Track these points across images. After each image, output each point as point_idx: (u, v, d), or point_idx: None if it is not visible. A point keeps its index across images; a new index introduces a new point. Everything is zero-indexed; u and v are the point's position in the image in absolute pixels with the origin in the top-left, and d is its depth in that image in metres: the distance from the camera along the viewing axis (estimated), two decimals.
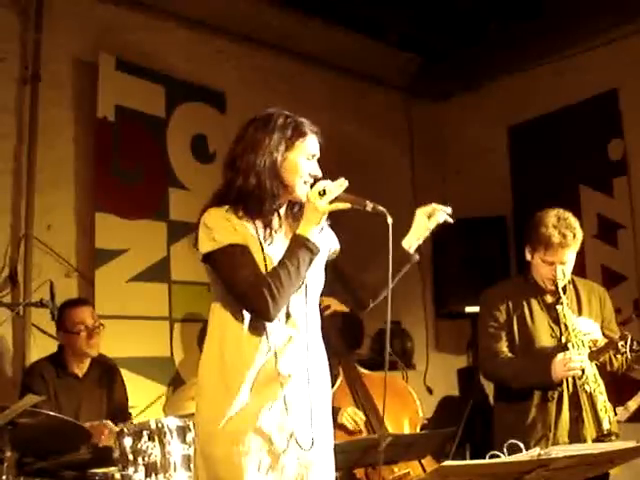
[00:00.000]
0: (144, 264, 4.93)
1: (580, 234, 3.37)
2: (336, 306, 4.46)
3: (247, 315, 2.39)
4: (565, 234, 3.32)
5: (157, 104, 5.18)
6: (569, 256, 3.37)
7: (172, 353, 5.00)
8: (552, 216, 3.38)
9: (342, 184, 2.39)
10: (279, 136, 2.44)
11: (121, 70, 4.96)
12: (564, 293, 3.37)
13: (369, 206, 2.42)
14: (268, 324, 2.38)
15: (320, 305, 2.59)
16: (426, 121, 6.84)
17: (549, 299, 3.47)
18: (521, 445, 2.21)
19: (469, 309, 5.38)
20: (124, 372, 4.32)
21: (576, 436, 3.21)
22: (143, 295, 4.90)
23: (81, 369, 4.08)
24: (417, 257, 2.61)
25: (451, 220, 2.56)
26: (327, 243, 2.59)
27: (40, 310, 3.85)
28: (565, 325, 3.32)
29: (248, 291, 2.32)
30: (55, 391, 3.93)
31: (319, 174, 2.48)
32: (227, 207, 2.42)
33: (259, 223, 2.43)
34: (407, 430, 4.14)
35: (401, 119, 6.76)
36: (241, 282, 2.33)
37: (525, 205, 5.94)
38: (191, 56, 5.38)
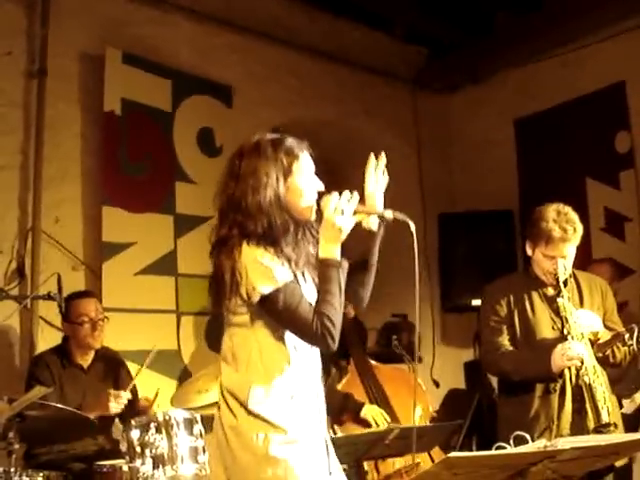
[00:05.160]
0: (151, 257, 4.94)
1: (580, 228, 3.37)
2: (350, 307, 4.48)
3: (295, 341, 2.41)
4: (566, 228, 3.32)
5: (164, 97, 5.18)
6: (570, 250, 3.37)
7: (179, 346, 5.02)
8: (552, 211, 3.37)
9: (354, 198, 2.37)
10: (275, 167, 2.39)
11: (128, 64, 4.97)
12: (565, 286, 3.37)
13: (388, 214, 2.43)
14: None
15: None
16: (432, 114, 6.84)
17: (550, 292, 3.46)
18: (527, 437, 2.21)
19: (476, 302, 5.35)
20: (131, 365, 4.33)
21: (579, 428, 3.20)
22: (150, 288, 4.91)
23: (85, 361, 4.08)
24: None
25: None
26: None
27: (47, 303, 3.86)
28: (566, 318, 3.31)
29: (311, 327, 2.31)
30: (60, 382, 3.92)
31: (322, 187, 2.46)
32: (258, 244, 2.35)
33: (282, 257, 2.39)
34: (418, 423, 4.15)
35: (407, 112, 6.75)
36: (304, 319, 2.32)
37: (532, 198, 5.91)
38: (198, 49, 5.38)
